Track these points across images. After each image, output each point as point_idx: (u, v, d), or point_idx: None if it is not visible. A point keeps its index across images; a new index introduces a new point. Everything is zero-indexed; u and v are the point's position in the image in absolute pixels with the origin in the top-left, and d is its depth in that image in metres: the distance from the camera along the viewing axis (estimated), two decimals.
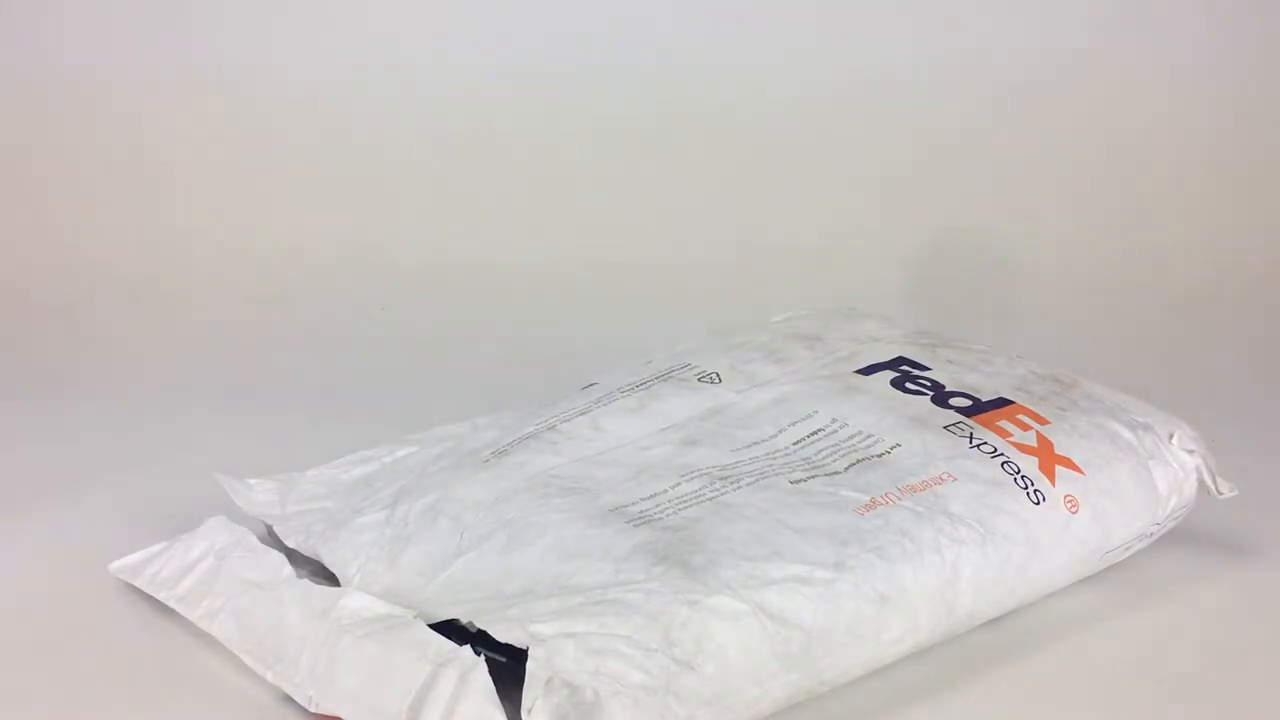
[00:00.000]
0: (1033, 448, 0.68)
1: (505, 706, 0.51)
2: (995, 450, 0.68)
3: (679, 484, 0.64)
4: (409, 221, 1.22)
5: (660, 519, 0.61)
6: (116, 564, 0.69)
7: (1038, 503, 0.66)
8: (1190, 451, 0.74)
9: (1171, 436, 0.74)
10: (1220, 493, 0.74)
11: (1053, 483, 0.67)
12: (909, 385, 0.74)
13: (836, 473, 0.65)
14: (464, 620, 0.56)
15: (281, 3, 1.23)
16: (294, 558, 0.65)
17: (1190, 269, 1.20)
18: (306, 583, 0.61)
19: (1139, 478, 0.71)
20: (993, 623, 0.66)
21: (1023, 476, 0.67)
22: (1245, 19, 1.25)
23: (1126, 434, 0.72)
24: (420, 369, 1.06)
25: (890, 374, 0.75)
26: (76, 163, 1.21)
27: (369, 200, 1.22)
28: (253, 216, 1.21)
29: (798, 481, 0.64)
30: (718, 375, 0.76)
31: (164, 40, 1.21)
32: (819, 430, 0.69)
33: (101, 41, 1.21)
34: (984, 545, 0.63)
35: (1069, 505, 0.67)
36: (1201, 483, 0.74)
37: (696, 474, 0.65)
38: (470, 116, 1.24)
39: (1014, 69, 1.25)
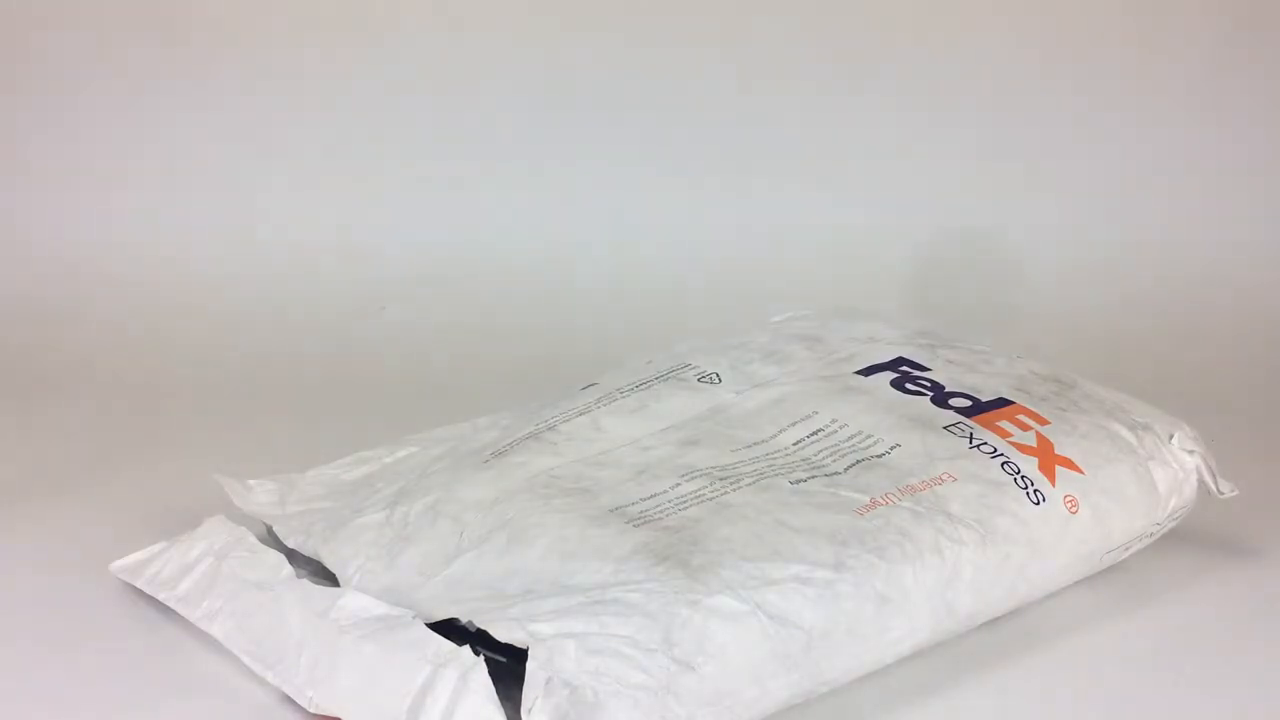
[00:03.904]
0: (1033, 448, 0.68)
1: (505, 706, 0.51)
2: (995, 450, 0.68)
3: (679, 484, 0.64)
4: (409, 220, 1.22)
5: (660, 519, 0.61)
6: (117, 564, 0.69)
7: (1038, 503, 0.66)
8: (1191, 452, 0.74)
9: (1171, 437, 0.74)
10: (1221, 492, 0.74)
11: (1053, 483, 0.67)
12: (909, 386, 0.74)
13: (836, 473, 0.65)
14: (464, 620, 0.56)
15: (280, 4, 1.23)
16: (294, 558, 0.65)
17: (1190, 268, 1.20)
18: (306, 583, 0.61)
19: (1139, 478, 0.71)
20: (993, 623, 0.66)
21: (1023, 477, 0.67)
22: (1246, 19, 1.25)
23: (1126, 434, 0.72)
24: (420, 369, 1.06)
25: (890, 374, 0.75)
26: (75, 163, 1.21)
27: (369, 199, 1.22)
28: (252, 216, 1.21)
29: (798, 482, 0.64)
30: (718, 375, 0.75)
31: (163, 39, 1.21)
32: (819, 430, 0.69)
33: (101, 42, 1.21)
34: (984, 546, 0.63)
35: (1069, 505, 0.67)
36: (1202, 482, 0.74)
37: (696, 474, 0.65)
38: (470, 115, 1.23)
39: (1015, 67, 1.25)
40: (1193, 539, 0.76)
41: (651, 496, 0.63)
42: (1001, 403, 0.72)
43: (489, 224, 1.21)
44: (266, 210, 1.21)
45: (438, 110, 1.23)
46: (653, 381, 0.75)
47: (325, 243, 1.20)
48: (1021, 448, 0.68)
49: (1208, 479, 0.74)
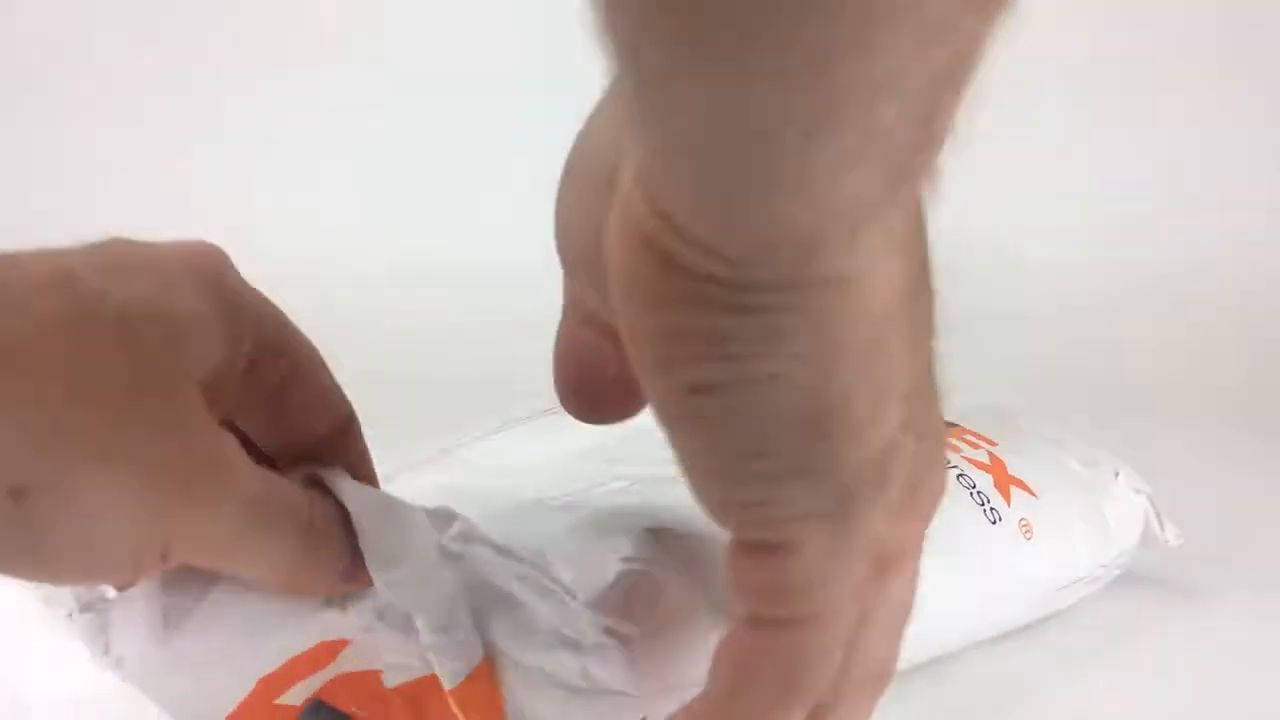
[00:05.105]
0: (986, 465, 0.63)
1: None
2: (949, 463, 0.62)
3: (607, 483, 0.57)
4: (408, 221, 1.17)
5: (588, 504, 0.54)
6: None
7: (994, 522, 0.61)
8: (1138, 491, 0.69)
9: (1117, 474, 0.70)
10: (1168, 540, 0.70)
11: (1008, 502, 0.62)
12: None
13: None
14: None
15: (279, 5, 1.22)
16: None
17: (1190, 268, 1.18)
18: None
19: (1089, 513, 0.66)
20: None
21: (978, 492, 0.61)
22: (1246, 19, 1.25)
23: (1076, 465, 0.68)
24: (420, 369, 1.00)
25: None
26: (74, 162, 1.17)
27: (368, 198, 1.19)
28: (251, 215, 1.15)
29: None
30: None
31: (160, 39, 1.19)
32: None
33: (101, 42, 1.18)
34: (940, 559, 0.57)
35: (1024, 530, 0.62)
36: (1148, 527, 0.69)
37: (624, 477, 0.58)
38: (470, 114, 1.20)
39: (1014, 67, 1.25)
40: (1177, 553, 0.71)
41: (574, 491, 0.56)
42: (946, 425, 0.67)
43: (489, 224, 1.17)
44: (265, 210, 1.16)
45: (438, 109, 1.21)
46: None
47: (324, 242, 1.15)
48: (975, 463, 0.63)
49: (1154, 523, 0.69)
